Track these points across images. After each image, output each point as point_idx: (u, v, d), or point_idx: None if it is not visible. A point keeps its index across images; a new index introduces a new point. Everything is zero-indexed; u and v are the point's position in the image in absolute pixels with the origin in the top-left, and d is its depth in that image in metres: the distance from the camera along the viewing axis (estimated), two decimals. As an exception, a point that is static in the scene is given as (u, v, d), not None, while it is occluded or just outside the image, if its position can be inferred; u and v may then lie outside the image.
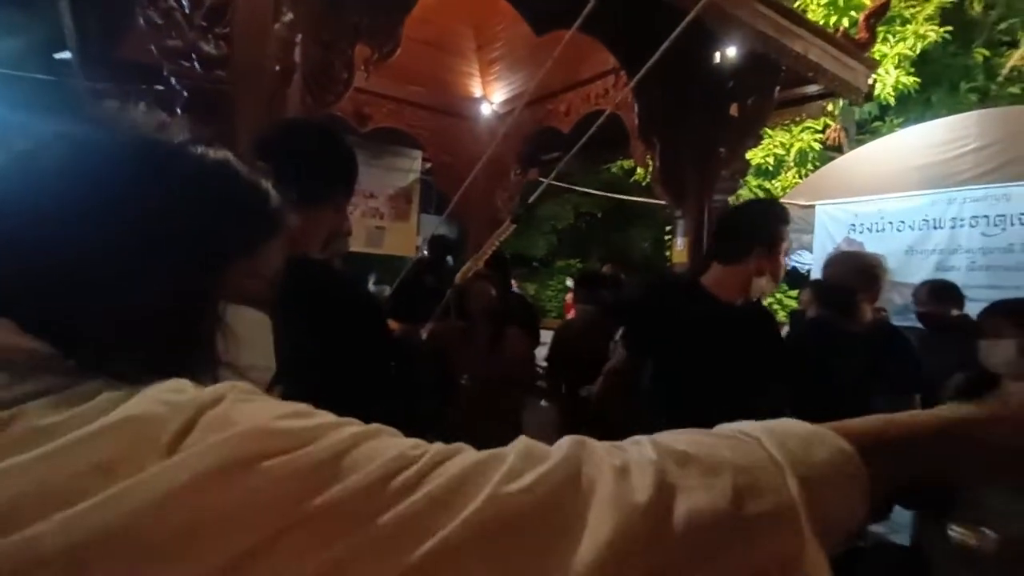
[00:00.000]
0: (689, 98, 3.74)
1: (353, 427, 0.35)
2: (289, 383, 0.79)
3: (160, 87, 2.46)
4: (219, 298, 0.45)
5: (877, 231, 4.49)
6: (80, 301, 0.37)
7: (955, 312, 2.79)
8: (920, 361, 1.93)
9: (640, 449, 0.38)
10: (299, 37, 2.26)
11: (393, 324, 1.94)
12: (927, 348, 2.75)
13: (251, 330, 0.52)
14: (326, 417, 0.36)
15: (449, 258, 2.91)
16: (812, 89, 4.09)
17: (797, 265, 5.03)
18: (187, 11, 2.18)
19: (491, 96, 5.66)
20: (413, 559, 0.29)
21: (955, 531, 0.82)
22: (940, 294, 2.86)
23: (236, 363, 0.47)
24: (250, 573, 0.28)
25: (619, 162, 8.80)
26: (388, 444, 0.35)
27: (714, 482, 0.36)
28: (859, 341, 1.82)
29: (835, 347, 1.79)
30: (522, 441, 0.38)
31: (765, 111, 3.65)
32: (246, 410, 0.34)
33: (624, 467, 0.36)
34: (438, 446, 0.36)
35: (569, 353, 2.87)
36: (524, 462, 0.35)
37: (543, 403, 3.65)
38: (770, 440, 0.39)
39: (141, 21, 2.23)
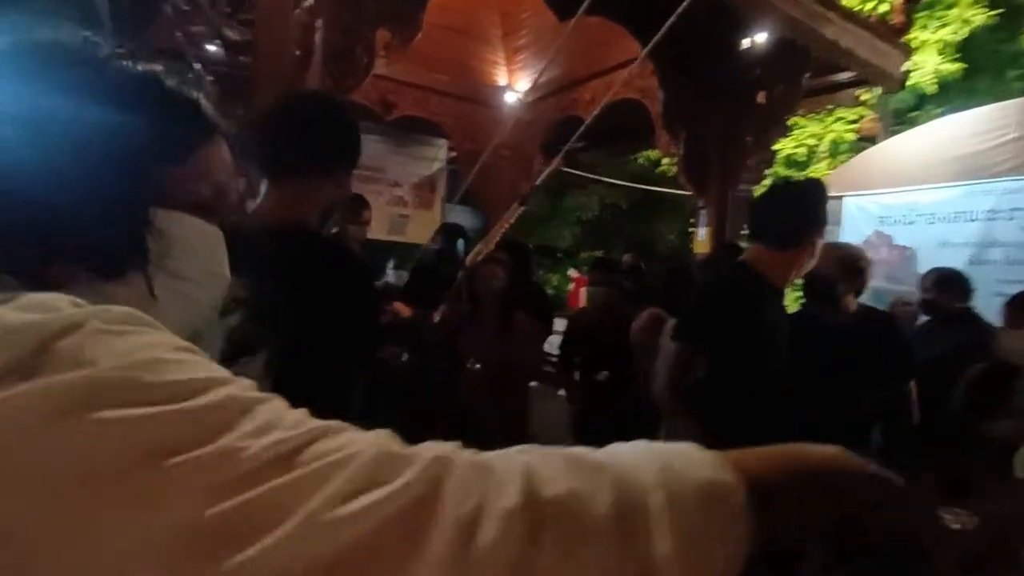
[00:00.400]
0: (715, 86, 3.68)
1: (224, 390, 0.31)
2: (277, 342, 0.82)
3: (191, 74, 2.53)
4: (147, 203, 0.44)
5: (907, 224, 4.32)
6: None
7: (959, 304, 2.71)
8: (910, 349, 1.87)
9: (506, 486, 0.32)
10: (319, 22, 2.28)
11: (406, 308, 1.95)
12: (927, 337, 2.71)
13: (196, 239, 0.50)
14: (199, 372, 0.32)
15: (460, 243, 2.93)
16: (844, 76, 3.99)
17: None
18: (212, -4, 2.23)
19: (516, 85, 5.64)
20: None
21: (944, 514, 0.81)
22: (946, 284, 2.78)
23: (179, 272, 0.47)
24: (57, 531, 0.26)
25: (646, 153, 8.69)
26: (245, 421, 0.30)
27: (579, 553, 0.31)
28: (842, 332, 1.77)
29: (816, 339, 1.75)
30: (380, 445, 0.33)
31: (793, 99, 3.57)
32: (105, 346, 0.30)
33: (473, 518, 0.30)
34: (292, 433, 0.31)
35: (584, 339, 2.86)
36: (364, 478, 0.30)
37: (560, 392, 3.66)
38: (658, 491, 0.34)
39: (169, 8, 2.29)
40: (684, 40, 3.62)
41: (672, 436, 1.38)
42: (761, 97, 3.56)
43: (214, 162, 0.51)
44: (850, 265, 1.86)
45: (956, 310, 2.66)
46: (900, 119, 6.49)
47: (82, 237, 0.40)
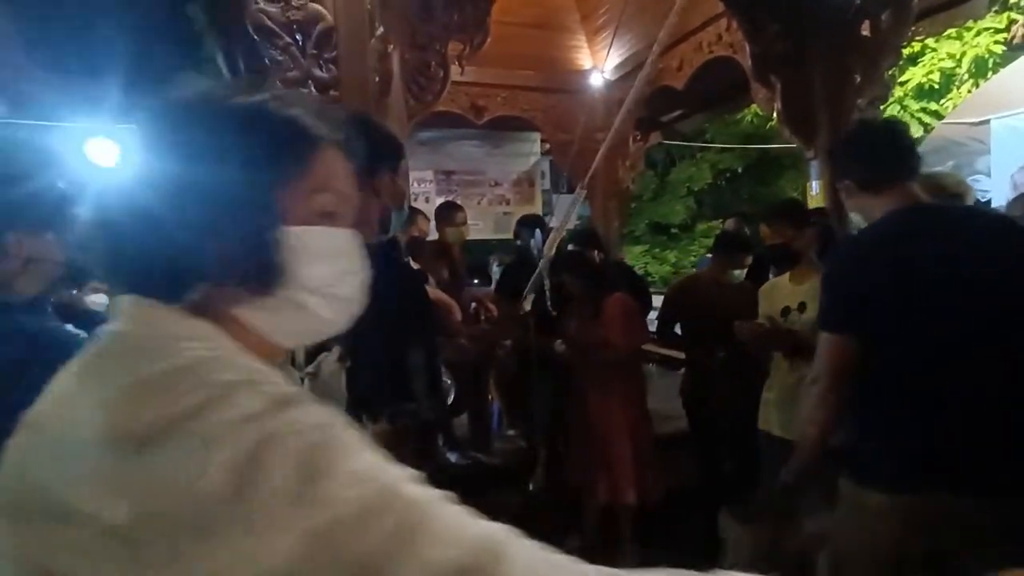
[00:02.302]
0: (810, 25, 3.38)
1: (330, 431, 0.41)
2: (346, 338, 0.94)
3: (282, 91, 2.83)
4: (274, 226, 0.47)
5: (1078, 146, 3.63)
6: (155, 255, 0.45)
7: None
8: None
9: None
10: (391, 47, 2.44)
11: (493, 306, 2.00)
12: None
13: (328, 246, 0.52)
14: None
15: (537, 233, 2.96)
16: (973, -19, 3.49)
17: (977, 193, 4.28)
18: (300, 43, 2.48)
19: (601, 65, 5.56)
20: None
21: None
22: None
23: (316, 279, 0.50)
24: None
25: (753, 109, 8.13)
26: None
27: None
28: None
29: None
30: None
31: (904, 24, 3.18)
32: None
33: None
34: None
35: (682, 310, 2.74)
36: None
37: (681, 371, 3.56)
38: None
39: (267, 60, 2.58)
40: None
41: None
42: (865, 28, 3.22)
43: (328, 170, 0.52)
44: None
45: None
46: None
47: (222, 266, 0.46)
